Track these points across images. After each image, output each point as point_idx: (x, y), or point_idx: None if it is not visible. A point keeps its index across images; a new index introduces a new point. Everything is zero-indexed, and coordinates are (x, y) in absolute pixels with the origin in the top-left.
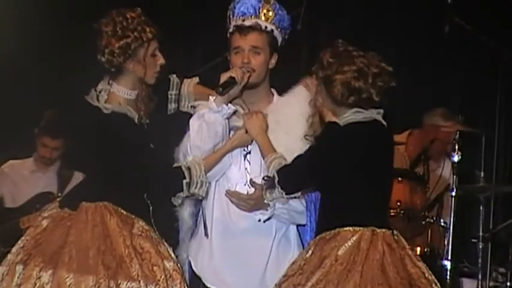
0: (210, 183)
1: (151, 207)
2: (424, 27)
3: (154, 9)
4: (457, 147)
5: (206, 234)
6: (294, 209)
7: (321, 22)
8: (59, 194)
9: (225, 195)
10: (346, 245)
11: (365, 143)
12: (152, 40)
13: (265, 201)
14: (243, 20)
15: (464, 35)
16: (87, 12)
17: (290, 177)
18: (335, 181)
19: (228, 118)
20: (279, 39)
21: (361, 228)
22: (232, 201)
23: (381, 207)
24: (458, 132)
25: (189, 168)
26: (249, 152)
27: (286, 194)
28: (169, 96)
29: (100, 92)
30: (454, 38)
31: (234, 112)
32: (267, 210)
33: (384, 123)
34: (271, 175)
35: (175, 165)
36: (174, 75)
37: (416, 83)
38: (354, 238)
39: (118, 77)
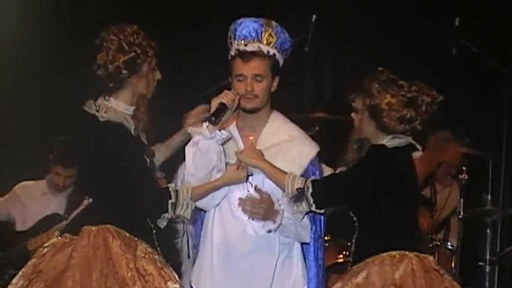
0: (195, 207)
1: (154, 230)
2: (431, 49)
3: (160, 28)
4: (464, 170)
5: (189, 256)
6: (300, 223)
7: (328, 44)
8: (66, 216)
9: (238, 204)
10: (400, 269)
11: (408, 167)
12: (152, 56)
13: (291, 213)
14: (245, 45)
15: (471, 58)
16: (89, 29)
17: (328, 192)
18: (378, 204)
19: (222, 144)
20: (281, 62)
21: (406, 252)
22: (244, 210)
23: (417, 230)
24: (465, 156)
25: (176, 191)
26: (251, 174)
27: (316, 207)
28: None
29: (99, 106)
30: (461, 61)
31: (229, 139)
32: (275, 222)
33: (419, 147)
34: (301, 187)
35: (164, 185)
36: (173, 185)
37: None
38: (404, 263)
39: (118, 92)
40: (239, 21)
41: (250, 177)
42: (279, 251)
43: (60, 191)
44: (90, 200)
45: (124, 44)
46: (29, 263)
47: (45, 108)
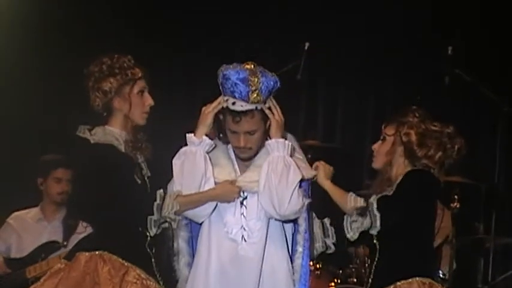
0: (187, 220)
1: (153, 258)
2: (424, 78)
3: (155, 56)
4: (456, 198)
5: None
6: (296, 168)
7: (320, 71)
8: (64, 243)
9: None
10: None
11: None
12: (139, 80)
13: (352, 228)
14: (233, 103)
15: (464, 87)
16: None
17: (391, 209)
18: (412, 228)
19: (208, 152)
20: (269, 103)
21: (432, 281)
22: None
23: (435, 257)
24: (457, 184)
25: (163, 194)
26: (246, 198)
27: (382, 221)
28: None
29: (94, 132)
30: (454, 90)
31: (214, 146)
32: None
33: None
34: (364, 204)
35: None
36: (160, 191)
37: None
38: None
39: (109, 119)
40: (225, 72)
41: (244, 201)
42: (269, 268)
43: (60, 204)
44: (85, 223)
45: (104, 68)
46: None
47: (29, 136)
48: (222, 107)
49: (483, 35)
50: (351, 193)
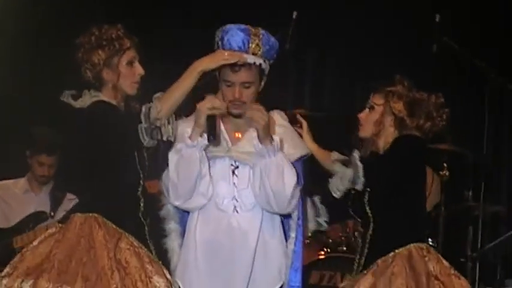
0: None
1: (146, 227)
2: (412, 46)
3: (147, 32)
4: (445, 166)
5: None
6: (289, 165)
7: (309, 41)
8: (51, 214)
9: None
10: (432, 260)
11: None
12: (129, 50)
13: (336, 184)
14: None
15: (452, 55)
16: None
17: (375, 172)
18: (402, 194)
19: (204, 149)
20: (267, 69)
21: (428, 245)
22: (251, 115)
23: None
24: (446, 152)
25: (148, 109)
26: (237, 167)
27: (367, 177)
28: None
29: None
30: (442, 58)
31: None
32: (270, 143)
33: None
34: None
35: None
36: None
37: None
38: (431, 255)
39: (101, 89)
40: (226, 28)
41: (236, 170)
42: (261, 242)
43: (42, 183)
44: (72, 195)
45: (93, 40)
46: (20, 253)
47: (19, 105)
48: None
49: (471, 3)
50: (334, 151)
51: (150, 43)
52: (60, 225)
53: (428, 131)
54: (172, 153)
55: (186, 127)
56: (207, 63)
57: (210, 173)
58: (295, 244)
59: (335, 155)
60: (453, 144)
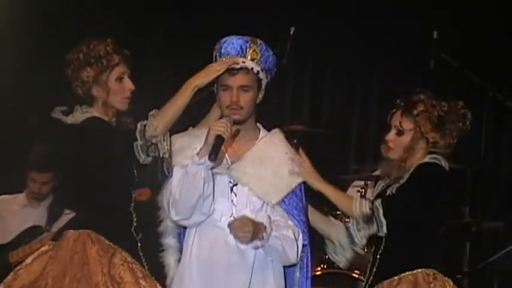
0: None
1: (139, 243)
2: (409, 62)
3: (143, 44)
4: None
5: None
6: (286, 237)
7: (306, 56)
8: (47, 228)
9: (228, 226)
10: (431, 285)
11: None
12: (117, 65)
13: (360, 235)
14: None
15: (450, 71)
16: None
17: (396, 212)
18: (423, 221)
19: (210, 169)
20: (264, 81)
21: (437, 271)
22: (234, 233)
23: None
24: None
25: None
26: (236, 184)
27: (388, 225)
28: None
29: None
30: (439, 74)
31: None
32: (262, 238)
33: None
34: (369, 210)
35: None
36: (142, 121)
37: None
38: (438, 283)
39: (92, 105)
40: (224, 39)
41: (234, 187)
42: (257, 264)
43: (38, 200)
44: (68, 211)
45: (81, 57)
46: (13, 271)
47: (21, 121)
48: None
49: (469, 20)
50: (356, 197)
51: (146, 54)
52: (53, 242)
53: (455, 138)
54: (177, 168)
55: (182, 142)
56: (201, 79)
57: (213, 193)
58: (299, 272)
59: (357, 202)
60: (451, 160)
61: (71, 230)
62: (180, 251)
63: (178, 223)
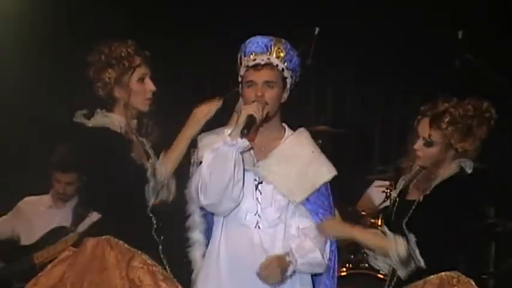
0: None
1: (160, 245)
2: (433, 61)
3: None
4: None
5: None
6: (313, 260)
7: (331, 58)
8: (72, 228)
9: (257, 274)
10: None
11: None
12: (138, 67)
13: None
14: (254, 59)
15: (474, 71)
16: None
17: (432, 246)
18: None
19: (241, 152)
20: (289, 80)
21: (461, 275)
22: (266, 281)
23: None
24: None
25: (154, 169)
26: (261, 182)
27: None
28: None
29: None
30: (464, 74)
31: (250, 148)
32: (287, 271)
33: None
34: (406, 253)
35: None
36: (152, 160)
37: None
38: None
39: (112, 106)
40: (248, 40)
41: (259, 185)
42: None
43: (63, 200)
44: (94, 212)
45: (102, 58)
46: (35, 278)
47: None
48: (239, 70)
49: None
50: (392, 236)
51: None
52: (73, 249)
53: (483, 136)
54: (207, 152)
55: (210, 139)
56: (193, 127)
57: (243, 180)
58: (326, 274)
59: (395, 243)
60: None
61: (90, 238)
62: (206, 246)
63: (208, 209)
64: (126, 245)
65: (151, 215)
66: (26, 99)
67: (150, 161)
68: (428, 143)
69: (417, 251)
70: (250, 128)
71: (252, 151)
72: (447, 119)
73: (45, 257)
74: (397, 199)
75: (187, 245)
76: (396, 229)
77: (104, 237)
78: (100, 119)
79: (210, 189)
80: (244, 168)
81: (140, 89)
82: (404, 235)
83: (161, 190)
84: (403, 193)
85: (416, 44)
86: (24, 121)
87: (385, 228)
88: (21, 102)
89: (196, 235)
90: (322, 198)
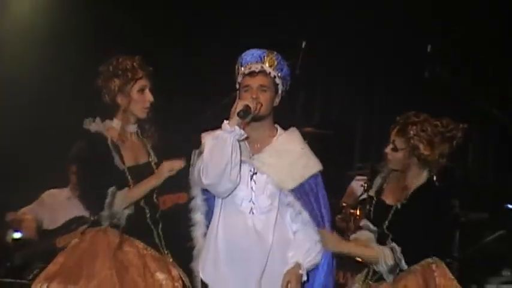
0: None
1: (156, 231)
2: (407, 74)
3: (170, 56)
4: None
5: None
6: (315, 256)
7: (317, 68)
8: (91, 218)
9: None
10: (439, 275)
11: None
12: (140, 79)
13: (388, 281)
14: (250, 68)
15: (443, 83)
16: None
17: (412, 245)
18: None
19: (238, 140)
20: (280, 86)
21: (437, 259)
22: None
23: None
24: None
25: (114, 193)
26: (255, 173)
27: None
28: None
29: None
30: (434, 85)
31: (246, 138)
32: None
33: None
34: (393, 262)
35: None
36: (113, 188)
37: None
38: (439, 270)
39: (115, 112)
40: (244, 52)
41: (254, 176)
42: (277, 241)
43: None
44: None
45: (110, 68)
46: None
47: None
48: (238, 83)
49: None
50: (381, 249)
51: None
52: (80, 236)
53: (448, 151)
54: (209, 139)
55: (211, 134)
56: (156, 180)
57: (240, 167)
58: (322, 277)
59: (383, 255)
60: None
61: (90, 228)
62: (206, 226)
63: (209, 189)
64: (119, 232)
65: (144, 205)
66: (47, 107)
67: (111, 189)
68: (394, 148)
69: (403, 260)
70: (245, 114)
71: (248, 145)
72: (412, 131)
73: (67, 242)
74: (375, 198)
75: (190, 224)
76: (377, 227)
77: (100, 227)
78: (103, 127)
79: (210, 170)
80: (241, 159)
81: (140, 98)
82: (386, 236)
83: (114, 219)
84: (378, 192)
85: (393, 57)
86: (44, 127)
87: (368, 234)
88: (43, 111)
89: (198, 216)
90: (309, 187)
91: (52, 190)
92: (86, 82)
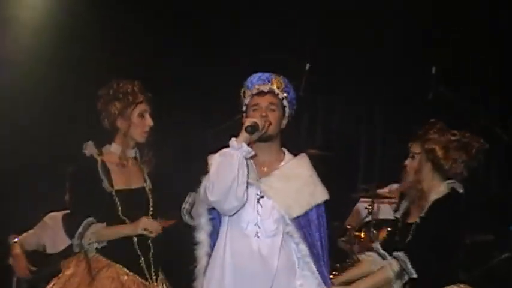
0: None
1: (142, 257)
2: (410, 95)
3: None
4: None
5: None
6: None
7: (320, 90)
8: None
9: None
10: None
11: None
12: (140, 103)
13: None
14: (258, 89)
15: (447, 103)
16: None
17: (422, 257)
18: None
19: (246, 158)
20: (287, 109)
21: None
22: None
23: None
24: None
25: (86, 228)
26: (262, 197)
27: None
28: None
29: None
30: (438, 105)
31: (253, 156)
32: None
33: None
34: (399, 267)
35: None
36: (90, 219)
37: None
38: None
39: (115, 136)
40: (251, 76)
41: (261, 199)
42: (282, 265)
43: None
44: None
45: (110, 92)
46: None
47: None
48: (245, 104)
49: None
50: (384, 261)
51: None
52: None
53: (466, 165)
54: (215, 157)
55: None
56: (133, 231)
57: (247, 183)
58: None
59: (388, 268)
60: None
61: (75, 256)
62: (210, 246)
63: (216, 206)
64: (103, 259)
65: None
66: (49, 131)
67: (89, 218)
68: (412, 156)
69: (408, 264)
70: (252, 130)
71: (255, 168)
72: (429, 134)
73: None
74: (400, 220)
75: (194, 242)
76: (399, 249)
77: (81, 256)
78: (89, 149)
79: (216, 186)
80: (248, 180)
81: (140, 122)
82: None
83: (81, 248)
84: (405, 214)
85: (396, 78)
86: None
87: (376, 256)
88: (45, 134)
89: (202, 235)
90: (313, 217)
91: (54, 213)
92: (88, 107)
